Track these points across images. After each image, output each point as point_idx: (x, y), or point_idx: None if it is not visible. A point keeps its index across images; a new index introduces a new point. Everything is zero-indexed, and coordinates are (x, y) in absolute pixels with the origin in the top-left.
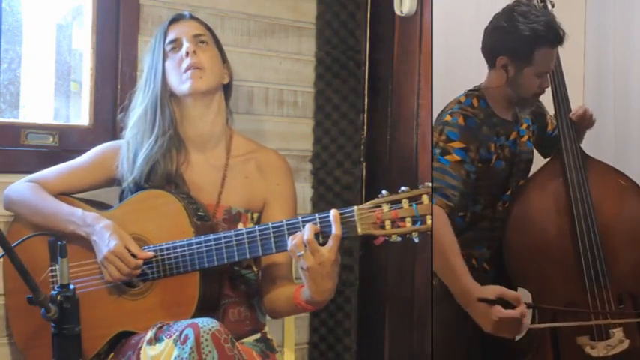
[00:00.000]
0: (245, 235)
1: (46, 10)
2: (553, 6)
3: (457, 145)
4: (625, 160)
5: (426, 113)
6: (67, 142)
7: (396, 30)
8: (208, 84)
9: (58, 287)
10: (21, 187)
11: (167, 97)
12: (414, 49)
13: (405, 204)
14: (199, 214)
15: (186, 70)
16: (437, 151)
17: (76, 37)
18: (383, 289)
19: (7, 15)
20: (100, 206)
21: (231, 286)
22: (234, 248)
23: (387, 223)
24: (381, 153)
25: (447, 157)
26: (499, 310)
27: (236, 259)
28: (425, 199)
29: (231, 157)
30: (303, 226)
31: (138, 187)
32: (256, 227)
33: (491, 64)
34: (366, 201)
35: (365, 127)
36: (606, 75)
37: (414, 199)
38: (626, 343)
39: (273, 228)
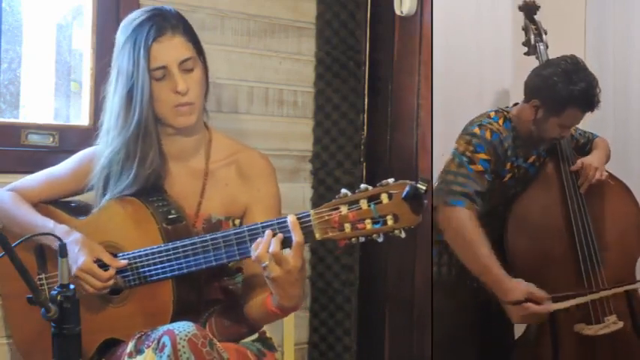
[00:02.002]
0: (209, 242)
1: (46, 10)
2: (546, 33)
3: (483, 156)
4: (625, 160)
5: (426, 113)
6: (67, 142)
7: (396, 30)
8: (198, 116)
9: (57, 287)
10: (2, 196)
11: (155, 126)
12: (414, 49)
13: (363, 204)
14: (170, 217)
15: (177, 106)
16: (464, 159)
17: (76, 37)
18: (383, 289)
19: (7, 15)
20: (83, 208)
21: (223, 290)
22: (201, 255)
23: (347, 226)
24: (381, 153)
25: (472, 167)
26: (529, 307)
27: (203, 266)
28: (384, 197)
29: (211, 162)
30: (263, 232)
31: None
32: (219, 234)
33: (526, 100)
34: None
35: (365, 127)
36: (606, 75)
37: (372, 199)
38: (620, 324)
39: (234, 234)
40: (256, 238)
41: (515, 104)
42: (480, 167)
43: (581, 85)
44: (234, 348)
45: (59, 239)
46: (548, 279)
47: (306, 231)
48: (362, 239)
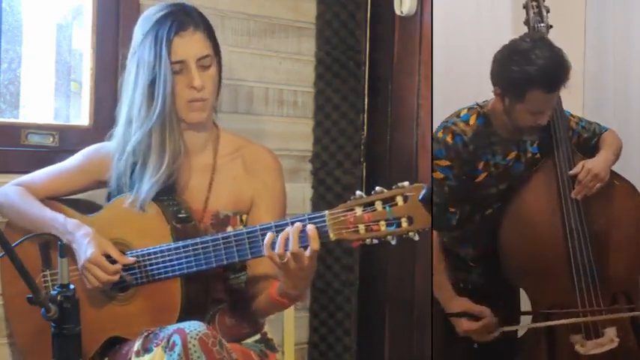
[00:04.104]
0: (221, 241)
1: (46, 10)
2: (548, 11)
3: (443, 163)
4: (625, 160)
5: (425, 113)
6: (67, 142)
7: (396, 30)
8: (209, 113)
9: (57, 287)
10: (9, 190)
11: (177, 120)
12: (414, 49)
13: (378, 206)
14: (180, 216)
15: (191, 101)
16: None
17: (76, 37)
18: (383, 289)
19: (7, 15)
20: (90, 207)
21: (226, 290)
22: (212, 254)
23: (361, 227)
24: (381, 153)
25: (434, 174)
26: (464, 324)
27: (214, 265)
28: (399, 200)
29: (219, 157)
30: (276, 231)
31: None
32: (231, 232)
33: (493, 88)
34: None
35: (365, 127)
36: (606, 75)
37: (387, 201)
38: (615, 343)
39: (247, 233)
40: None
41: None
42: (439, 175)
43: (538, 63)
44: (238, 349)
45: (59, 240)
46: (544, 288)
47: (321, 231)
48: (375, 241)
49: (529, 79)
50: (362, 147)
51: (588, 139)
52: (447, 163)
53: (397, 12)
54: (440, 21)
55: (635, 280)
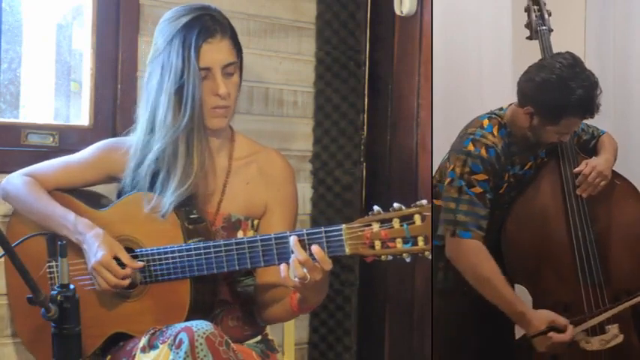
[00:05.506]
0: (234, 247)
1: (46, 10)
2: (550, 14)
3: (481, 177)
4: (625, 160)
5: (426, 113)
6: (67, 142)
7: (396, 30)
8: (229, 119)
9: (57, 287)
10: (18, 181)
11: (204, 128)
12: (414, 49)
13: (395, 223)
14: (191, 216)
15: (214, 108)
16: (462, 182)
17: (76, 37)
18: (383, 289)
19: (7, 15)
20: (99, 199)
21: (231, 293)
22: (224, 259)
23: (377, 243)
24: (381, 153)
25: (473, 190)
26: (552, 337)
27: (225, 269)
28: (417, 218)
29: (234, 160)
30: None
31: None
32: (245, 239)
33: (519, 104)
34: (366, 201)
35: (365, 127)
36: (606, 75)
37: (406, 219)
38: (620, 338)
39: (261, 241)
40: (283, 246)
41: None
42: (479, 189)
43: (578, 93)
44: (240, 349)
45: (60, 240)
46: (549, 288)
47: (337, 245)
48: (390, 257)
49: (569, 108)
50: (362, 147)
51: (587, 141)
52: (485, 177)
53: (397, 12)
54: (440, 21)
55: (638, 279)
